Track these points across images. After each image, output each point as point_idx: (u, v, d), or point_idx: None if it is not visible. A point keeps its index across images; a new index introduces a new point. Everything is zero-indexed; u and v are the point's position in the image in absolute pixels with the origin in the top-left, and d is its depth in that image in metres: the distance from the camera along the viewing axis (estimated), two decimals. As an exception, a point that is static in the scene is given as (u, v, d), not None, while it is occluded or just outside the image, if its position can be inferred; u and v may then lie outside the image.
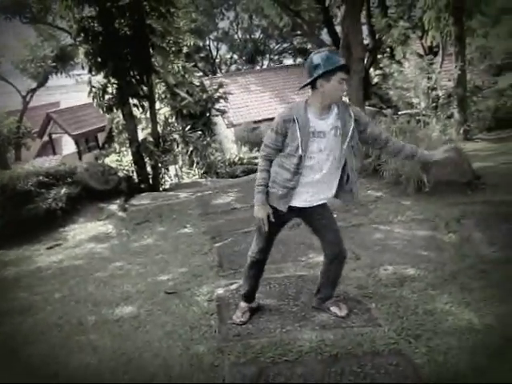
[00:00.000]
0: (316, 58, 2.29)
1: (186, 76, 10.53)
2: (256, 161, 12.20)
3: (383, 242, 3.92)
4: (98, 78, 8.13)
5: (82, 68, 8.36)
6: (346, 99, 2.44)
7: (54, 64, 15.75)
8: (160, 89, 10.14)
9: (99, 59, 7.59)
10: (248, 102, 19.27)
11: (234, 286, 3.35)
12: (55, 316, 3.42)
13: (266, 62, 27.86)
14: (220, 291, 3.33)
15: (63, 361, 2.72)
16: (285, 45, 27.05)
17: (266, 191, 2.47)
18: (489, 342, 2.26)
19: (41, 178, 6.81)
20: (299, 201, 2.50)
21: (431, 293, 2.86)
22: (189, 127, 11.22)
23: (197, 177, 10.99)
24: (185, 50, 10.68)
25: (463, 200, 4.75)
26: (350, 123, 2.35)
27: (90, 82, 8.03)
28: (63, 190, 6.77)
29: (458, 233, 3.78)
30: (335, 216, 2.80)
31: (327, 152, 2.38)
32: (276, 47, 27.62)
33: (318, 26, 15.53)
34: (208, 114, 16.83)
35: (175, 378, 2.36)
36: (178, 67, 10.22)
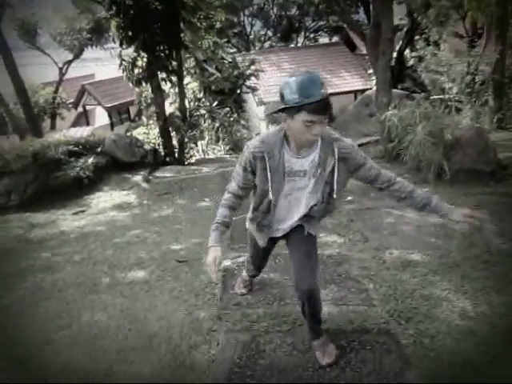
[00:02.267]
0: (284, 84, 1.78)
1: (216, 52, 10.53)
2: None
3: (393, 226, 3.93)
4: (129, 52, 8.28)
5: (114, 41, 8.52)
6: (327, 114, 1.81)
7: (90, 36, 16.05)
8: (189, 64, 10.22)
9: (130, 33, 7.72)
10: (280, 80, 19.04)
11: (241, 259, 3.47)
12: (73, 276, 3.65)
13: (300, 40, 27.37)
14: (227, 263, 3.46)
15: (76, 315, 2.94)
16: (320, 23, 26.42)
17: (224, 231, 2.08)
18: (478, 330, 2.29)
19: (70, 147, 7.09)
20: (281, 232, 2.22)
21: (431, 279, 2.88)
22: (217, 103, 11.28)
23: (222, 153, 11.11)
24: (218, 25, 10.66)
25: (483, 190, 4.67)
26: (330, 162, 1.91)
27: (120, 56, 8.20)
28: (91, 160, 7.05)
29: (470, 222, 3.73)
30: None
31: (306, 190, 2.01)
32: (311, 25, 27.02)
33: (355, 3, 15.08)
34: (238, 91, 16.81)
35: (174, 338, 2.51)
36: (209, 43, 10.24)
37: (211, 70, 10.31)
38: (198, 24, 9.09)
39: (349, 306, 2.60)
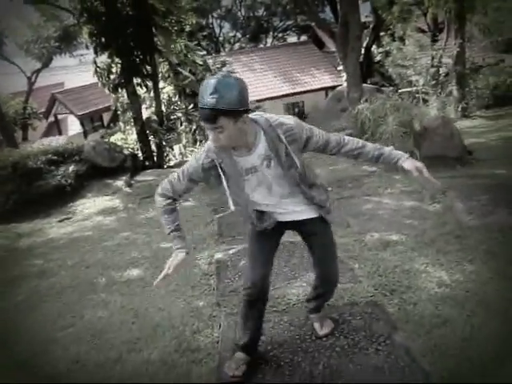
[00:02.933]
0: (201, 85, 1.72)
1: (189, 55, 10.65)
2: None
3: (372, 211, 4.19)
4: (102, 59, 8.33)
5: (87, 48, 8.57)
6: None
7: (58, 44, 15.85)
8: (163, 68, 10.31)
9: (103, 39, 7.77)
10: (251, 80, 19.27)
11: (231, 251, 3.66)
12: (68, 279, 3.75)
13: (269, 40, 27.70)
14: (219, 255, 3.63)
15: (78, 314, 3.05)
16: (288, 22, 26.83)
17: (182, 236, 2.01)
18: (454, 295, 2.54)
19: (50, 156, 7.11)
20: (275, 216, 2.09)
21: (410, 255, 3.13)
22: (192, 106, 11.39)
23: (200, 155, 11.20)
24: (187, 28, 10.78)
25: (452, 174, 4.99)
26: (282, 149, 1.86)
27: (94, 62, 8.24)
28: (71, 168, 7.09)
29: (442, 203, 4.03)
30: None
31: (266, 186, 1.96)
32: (280, 25, 27.39)
33: (321, 3, 15.44)
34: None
35: (177, 326, 2.67)
36: (181, 46, 10.35)
37: (185, 73, 10.42)
38: (170, 28, 9.20)
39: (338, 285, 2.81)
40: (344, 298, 2.65)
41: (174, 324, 2.72)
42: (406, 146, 5.39)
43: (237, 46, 27.56)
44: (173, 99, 10.75)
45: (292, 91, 18.61)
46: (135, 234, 4.74)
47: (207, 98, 1.63)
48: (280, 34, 27.89)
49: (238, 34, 27.75)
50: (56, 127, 21.86)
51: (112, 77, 8.27)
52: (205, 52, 22.10)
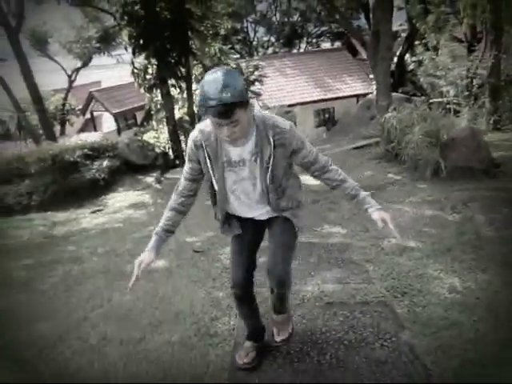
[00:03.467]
0: (202, 81, 1.72)
1: (222, 58, 10.93)
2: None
3: (392, 218, 4.26)
4: (139, 60, 8.69)
5: (125, 49, 8.94)
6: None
7: (98, 45, 16.53)
8: (197, 70, 10.62)
9: (141, 41, 8.12)
10: (283, 85, 19.47)
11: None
12: (100, 265, 4.01)
13: (303, 46, 27.83)
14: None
15: (107, 297, 3.29)
16: (323, 28, 26.89)
17: (165, 237, 2.06)
18: (463, 301, 2.62)
19: (86, 151, 7.51)
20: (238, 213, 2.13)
21: (425, 261, 3.21)
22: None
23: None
24: (222, 32, 11.08)
25: (476, 185, 4.99)
26: (267, 150, 1.86)
27: (132, 63, 8.61)
28: (105, 163, 7.45)
29: (463, 214, 4.07)
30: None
31: (252, 181, 1.96)
32: (314, 30, 27.48)
33: (356, 10, 15.46)
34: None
35: (197, 313, 2.86)
36: (215, 50, 10.65)
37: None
38: (205, 32, 9.50)
39: (351, 284, 2.94)
40: (356, 297, 2.76)
41: (195, 311, 2.90)
42: (432, 155, 5.43)
43: (270, 50, 27.81)
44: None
45: (323, 97, 18.68)
46: (162, 228, 4.98)
47: (220, 94, 1.61)
48: (314, 40, 27.98)
49: (272, 39, 28.00)
50: (92, 124, 22.68)
51: (148, 77, 8.62)
52: (238, 55, 22.52)
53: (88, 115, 22.98)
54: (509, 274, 2.90)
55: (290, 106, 17.71)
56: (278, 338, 2.32)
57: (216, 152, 1.89)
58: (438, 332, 2.32)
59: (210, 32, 9.92)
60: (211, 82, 1.66)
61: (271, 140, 1.86)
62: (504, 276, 2.87)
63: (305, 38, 27.66)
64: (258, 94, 17.43)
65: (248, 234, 2.17)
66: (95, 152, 7.68)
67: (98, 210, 6.25)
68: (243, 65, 18.59)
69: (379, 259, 3.33)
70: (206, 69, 10.14)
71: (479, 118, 8.75)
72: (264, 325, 2.37)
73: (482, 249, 3.30)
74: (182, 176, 2.05)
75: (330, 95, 18.79)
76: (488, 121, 8.51)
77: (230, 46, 15.79)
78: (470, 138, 5.46)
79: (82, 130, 21.71)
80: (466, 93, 9.21)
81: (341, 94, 18.69)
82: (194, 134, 1.92)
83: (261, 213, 2.10)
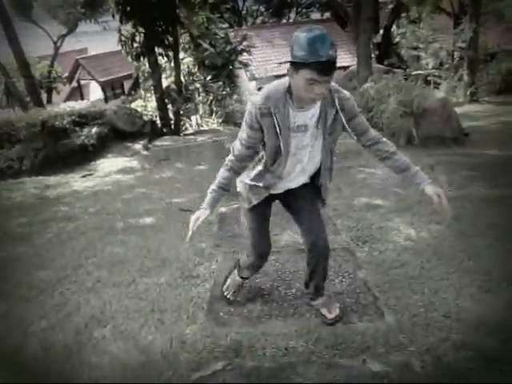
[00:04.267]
0: (295, 38, 1.73)
1: (210, 27, 10.95)
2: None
3: (364, 180, 4.62)
4: (126, 28, 8.73)
5: (112, 16, 8.93)
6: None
7: (83, 10, 16.24)
8: (184, 39, 10.66)
9: (128, 8, 8.15)
10: (271, 55, 19.42)
11: (235, 206, 4.14)
12: (91, 223, 4.30)
13: (292, 16, 27.50)
14: (223, 209, 4.13)
15: (100, 249, 3.60)
16: (312, -2, 26.55)
17: (220, 196, 2.07)
18: (416, 247, 3.00)
19: (74, 117, 7.63)
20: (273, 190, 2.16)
21: (388, 216, 3.58)
22: (210, 77, 11.78)
23: (215, 125, 11.67)
24: (211, 0, 11.06)
25: (445, 152, 5.36)
26: (331, 113, 1.91)
27: (119, 31, 8.65)
28: (94, 130, 7.62)
29: (428, 176, 4.42)
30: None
31: (309, 148, 2.00)
32: (304, 0, 27.13)
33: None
34: (231, 66, 17.18)
35: (182, 260, 3.20)
36: (203, 19, 10.66)
37: (205, 45, 10.77)
38: (193, 0, 9.51)
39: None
40: (323, 245, 3.13)
41: (180, 258, 3.25)
42: (406, 124, 5.76)
43: (259, 20, 27.47)
44: (192, 70, 11.13)
45: (310, 68, 18.71)
46: (150, 190, 5.26)
47: (328, 51, 1.66)
48: (304, 10, 27.64)
49: (262, 8, 27.60)
50: (78, 92, 22.47)
51: (135, 45, 8.68)
52: (227, 25, 22.26)
53: (75, 83, 22.74)
54: (458, 225, 3.28)
55: (277, 76, 17.68)
56: (330, 316, 2.29)
57: (284, 117, 1.87)
58: (389, 270, 2.70)
59: (198, 0, 9.92)
60: (318, 38, 1.67)
61: (336, 103, 1.90)
62: (454, 227, 3.26)
63: (294, 8, 27.29)
64: (245, 65, 17.42)
65: (268, 206, 2.25)
66: (83, 119, 7.79)
67: (89, 175, 6.48)
68: (231, 34, 18.49)
69: (348, 215, 3.69)
70: (193, 38, 10.21)
71: (457, 89, 9.08)
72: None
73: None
74: (238, 140, 2.01)
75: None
76: (465, 93, 8.84)
77: (218, 15, 15.63)
78: (442, 108, 5.78)
79: (69, 98, 21.50)
80: (447, 65, 9.48)
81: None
82: (260, 102, 1.87)
83: (298, 182, 2.14)
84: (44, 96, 17.66)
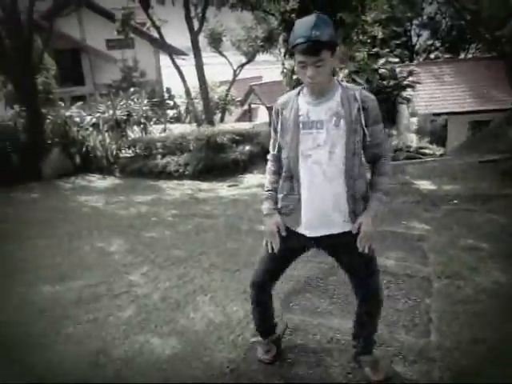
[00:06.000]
0: (295, 24, 1.78)
1: (370, 63, 11.40)
2: (422, 151, 12.53)
3: (480, 224, 4.51)
4: (290, 61, 9.80)
5: (280, 52, 10.14)
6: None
7: (262, 44, 18.44)
8: (342, 73, 11.30)
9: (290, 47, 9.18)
10: (438, 92, 18.77)
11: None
12: (224, 222, 5.18)
13: (472, 52, 25.88)
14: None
15: (223, 242, 4.43)
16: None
17: (275, 198, 2.03)
18: (499, 291, 3.00)
19: (233, 135, 8.94)
20: (303, 226, 1.96)
21: (485, 259, 3.55)
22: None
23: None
24: (380, 36, 11.55)
25: None
26: (354, 106, 1.80)
27: (283, 64, 9.78)
28: (247, 147, 8.79)
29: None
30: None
31: (328, 148, 1.83)
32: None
33: None
34: (393, 101, 17.19)
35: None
36: (364, 54, 11.19)
37: (359, 80, 11.24)
38: (355, 38, 10.13)
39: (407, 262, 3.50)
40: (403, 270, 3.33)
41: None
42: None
43: (433, 55, 26.60)
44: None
45: (480, 108, 17.46)
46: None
47: (310, 31, 1.68)
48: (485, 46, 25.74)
49: (437, 43, 26.72)
50: (248, 114, 25.13)
51: (294, 77, 9.67)
52: (397, 59, 22.27)
53: (246, 106, 25.54)
54: None
55: (437, 114, 17.11)
56: (375, 378, 2.15)
57: (291, 112, 1.87)
58: (457, 303, 2.80)
59: (361, 37, 10.50)
60: (303, 22, 1.75)
61: (358, 99, 1.82)
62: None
63: (473, 45, 25.67)
64: (407, 100, 17.23)
65: (298, 248, 2.10)
66: (241, 137, 9.09)
67: (234, 185, 7.57)
68: (398, 69, 18.51)
69: (445, 251, 3.76)
70: (349, 73, 10.80)
71: None
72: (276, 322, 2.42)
73: None
74: (270, 145, 2.08)
75: (488, 106, 17.46)
76: None
77: (387, 50, 15.93)
78: None
79: (239, 119, 24.31)
80: None
81: (502, 107, 17.21)
82: (277, 103, 1.98)
83: (324, 194, 1.88)
84: (218, 116, 20.45)
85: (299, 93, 1.91)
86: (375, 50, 13.69)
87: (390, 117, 17.20)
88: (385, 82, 15.65)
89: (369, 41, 11.56)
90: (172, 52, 14.59)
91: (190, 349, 2.57)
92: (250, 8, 14.14)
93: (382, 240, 4.02)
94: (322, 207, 1.88)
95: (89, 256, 4.29)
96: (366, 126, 1.83)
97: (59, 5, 11.39)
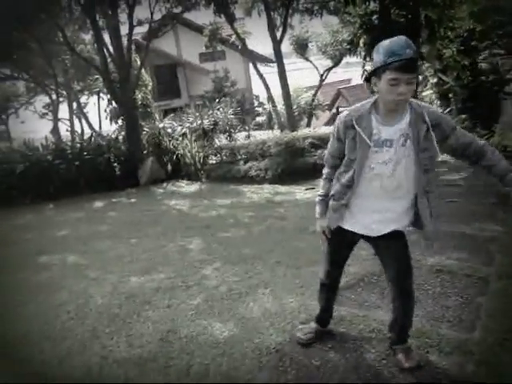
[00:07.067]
0: (376, 48, 1.89)
1: (458, 60, 10.82)
2: (523, 151, 11.44)
3: None
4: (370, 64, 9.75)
5: (359, 54, 10.13)
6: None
7: (349, 47, 18.24)
8: (428, 72, 10.89)
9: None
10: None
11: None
12: (293, 224, 5.43)
13: None
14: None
15: (285, 240, 4.70)
16: None
17: (327, 203, 2.27)
18: None
19: (312, 140, 9.15)
20: (362, 227, 2.18)
21: None
22: (448, 110, 11.52)
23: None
24: (479, 28, 10.91)
25: None
26: (422, 128, 1.92)
27: (363, 67, 9.75)
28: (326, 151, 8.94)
29: None
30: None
31: (392, 165, 1.98)
32: None
33: None
34: (495, 97, 15.91)
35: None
36: (452, 51, 10.66)
37: (445, 78, 10.70)
38: (443, 34, 9.73)
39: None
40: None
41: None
42: None
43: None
44: (434, 102, 11.22)
45: None
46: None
47: (404, 50, 1.80)
48: None
49: (550, 30, 23.92)
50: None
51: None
52: (502, 51, 20.39)
53: (334, 110, 25.40)
54: None
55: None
56: (405, 364, 2.26)
57: (365, 130, 1.98)
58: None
59: (449, 33, 10.04)
60: (394, 41, 1.85)
61: (427, 119, 1.92)
62: None
63: None
64: (510, 94, 15.81)
65: (349, 245, 2.35)
66: (320, 142, 9.25)
67: (311, 188, 7.76)
68: (500, 62, 17.02)
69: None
70: (435, 72, 10.37)
71: None
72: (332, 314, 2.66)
73: None
74: (327, 153, 2.29)
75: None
76: None
77: (488, 42, 14.86)
78: None
79: (327, 124, 24.27)
80: None
81: None
82: (345, 115, 2.07)
83: (379, 207, 2.09)
84: (305, 121, 20.69)
85: (370, 110, 2.02)
86: (473, 43, 12.89)
87: (492, 114, 15.95)
88: (483, 78, 14.59)
89: (461, 35, 10.95)
90: (257, 60, 15.25)
91: (244, 332, 2.88)
92: (333, 13, 14.22)
93: (449, 240, 3.99)
94: (385, 218, 2.10)
95: (171, 253, 4.85)
96: (447, 139, 1.97)
97: (157, 27, 12.66)
